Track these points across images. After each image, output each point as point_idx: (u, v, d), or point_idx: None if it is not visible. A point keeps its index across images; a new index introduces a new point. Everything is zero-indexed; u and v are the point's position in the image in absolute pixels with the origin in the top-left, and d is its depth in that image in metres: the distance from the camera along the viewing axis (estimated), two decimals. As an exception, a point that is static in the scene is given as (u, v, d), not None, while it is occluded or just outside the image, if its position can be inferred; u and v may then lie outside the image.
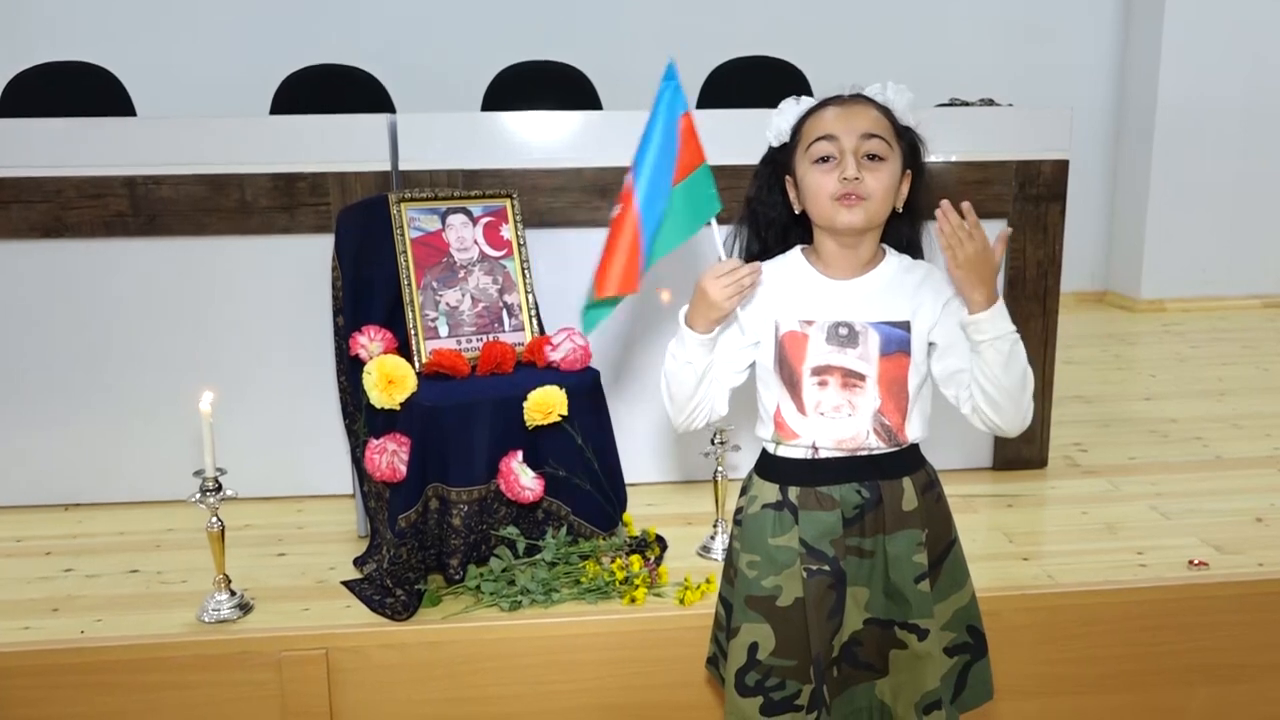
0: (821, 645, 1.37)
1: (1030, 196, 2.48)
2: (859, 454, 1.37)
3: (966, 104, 2.66)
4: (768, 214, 1.47)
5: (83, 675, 1.79)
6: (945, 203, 1.28)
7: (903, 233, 1.46)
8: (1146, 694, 1.97)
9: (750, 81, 3.63)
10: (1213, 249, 4.63)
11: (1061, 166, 2.49)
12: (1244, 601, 1.97)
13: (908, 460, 1.41)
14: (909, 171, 1.42)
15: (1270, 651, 1.99)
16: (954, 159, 2.45)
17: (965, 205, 1.29)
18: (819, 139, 1.36)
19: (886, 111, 1.39)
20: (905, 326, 1.36)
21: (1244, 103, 4.52)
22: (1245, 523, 2.25)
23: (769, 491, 1.41)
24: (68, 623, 1.88)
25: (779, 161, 1.45)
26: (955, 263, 1.30)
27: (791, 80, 3.58)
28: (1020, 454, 2.58)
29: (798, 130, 1.41)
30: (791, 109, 1.43)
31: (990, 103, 2.66)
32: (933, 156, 2.39)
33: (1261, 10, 4.45)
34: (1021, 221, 2.49)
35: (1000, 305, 1.32)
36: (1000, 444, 2.58)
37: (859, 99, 1.39)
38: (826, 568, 1.36)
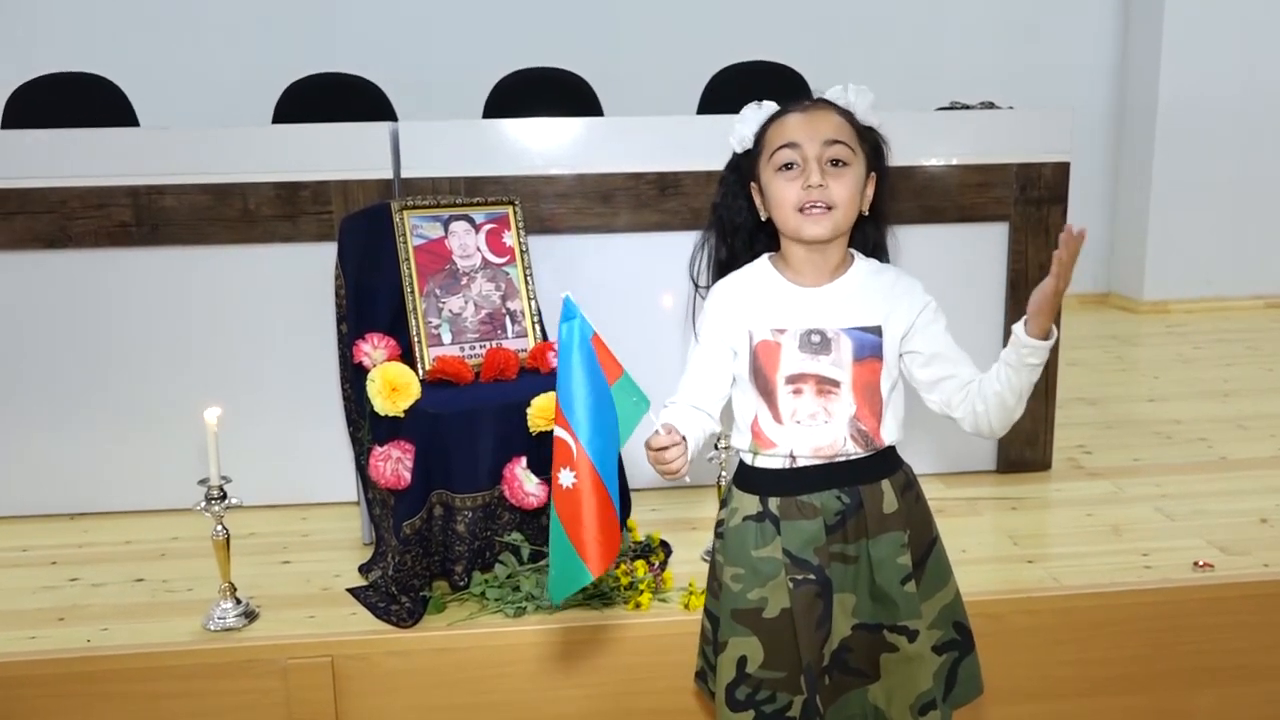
0: (812, 655, 1.36)
1: (1031, 199, 2.49)
2: (837, 460, 1.36)
3: (967, 107, 2.66)
4: (734, 220, 1.47)
5: (89, 685, 1.79)
6: (1076, 227, 1.23)
7: (868, 236, 1.46)
8: (1152, 696, 1.97)
9: (751, 86, 3.59)
10: (1215, 250, 4.62)
11: (1063, 169, 2.49)
12: (1250, 603, 1.97)
13: (885, 463, 1.40)
14: (874, 174, 1.41)
15: (1277, 652, 1.99)
16: (955, 162, 2.46)
17: (1083, 229, 1.23)
18: (782, 146, 1.35)
19: (849, 115, 1.39)
20: (877, 331, 1.36)
21: (1245, 102, 4.52)
22: (1250, 524, 2.25)
23: (749, 503, 1.40)
24: (74, 632, 1.89)
25: (744, 168, 1.45)
26: (1057, 287, 1.24)
27: (792, 84, 3.59)
28: (1024, 456, 2.58)
29: (761, 137, 1.41)
30: (753, 115, 1.43)
31: (991, 105, 2.66)
32: (934, 160, 2.44)
33: (1261, 9, 4.45)
34: (1023, 224, 2.49)
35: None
36: (1004, 446, 2.58)
37: (821, 104, 1.39)
38: (812, 576, 1.36)
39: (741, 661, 1.38)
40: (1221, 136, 4.53)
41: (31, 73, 3.45)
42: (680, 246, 2.40)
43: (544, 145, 2.39)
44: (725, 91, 3.65)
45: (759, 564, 1.37)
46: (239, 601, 1.91)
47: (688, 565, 2.07)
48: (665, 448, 1.27)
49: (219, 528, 1.87)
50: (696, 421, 1.38)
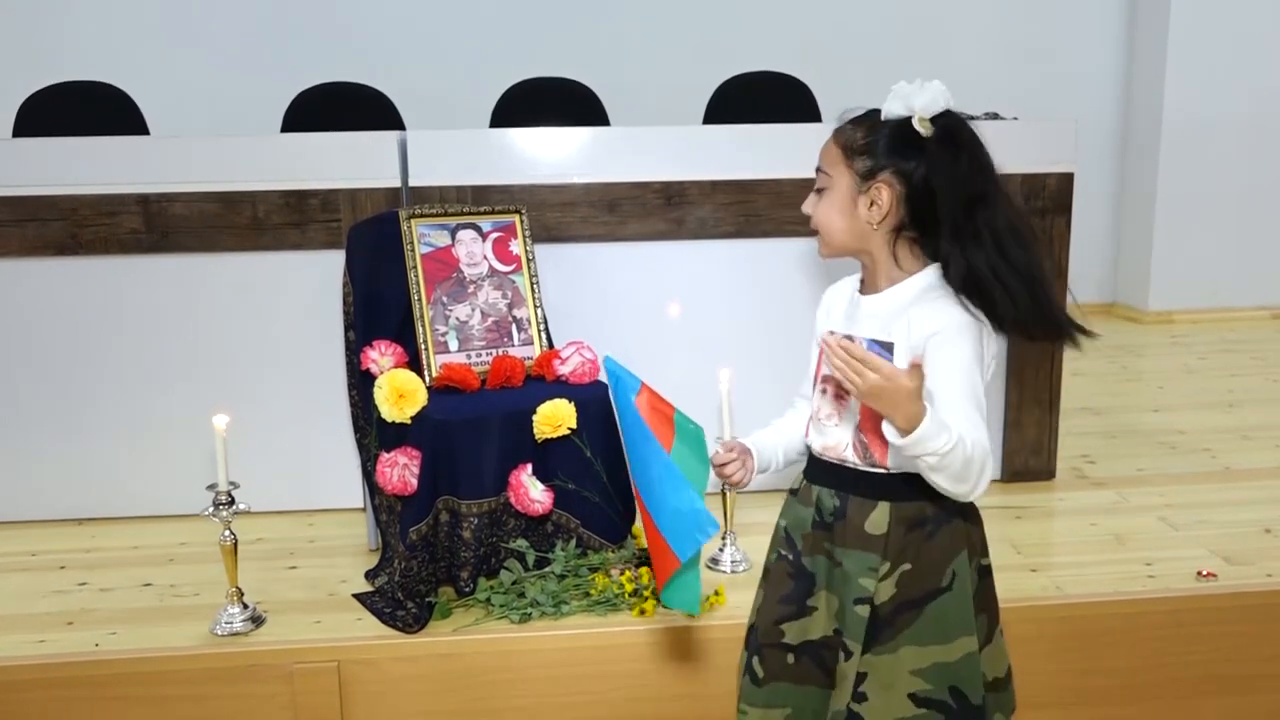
0: (765, 623, 1.45)
1: (1036, 209, 2.49)
2: (844, 464, 1.40)
3: (972, 118, 2.66)
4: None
5: (97, 689, 1.81)
6: (827, 337, 1.25)
7: (940, 250, 1.34)
8: (1156, 705, 1.97)
9: (757, 97, 3.65)
10: (1220, 260, 4.62)
11: (1067, 179, 2.50)
12: (1253, 612, 1.97)
13: (888, 486, 1.36)
14: (881, 186, 1.33)
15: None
16: (959, 172, 2.46)
17: (851, 342, 1.24)
18: None
19: (846, 132, 1.37)
20: (889, 348, 1.33)
21: (1250, 113, 4.52)
22: (1254, 534, 2.25)
23: (799, 480, 1.50)
24: (82, 636, 1.90)
25: None
26: (855, 395, 1.24)
27: (797, 96, 3.60)
28: (1028, 465, 2.58)
29: None
30: None
31: (995, 116, 2.67)
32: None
33: (1266, 20, 4.46)
34: (1027, 234, 2.50)
35: (925, 426, 1.20)
36: (1008, 456, 2.58)
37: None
38: (790, 556, 1.45)
39: (756, 610, 1.50)
40: (1226, 146, 4.54)
41: (43, 81, 3.47)
42: (686, 256, 2.43)
43: (551, 154, 2.40)
44: (731, 102, 3.66)
45: (777, 530, 1.50)
46: (246, 606, 1.92)
47: (692, 573, 2.08)
48: (724, 464, 1.45)
49: (226, 533, 1.88)
50: (787, 426, 1.52)
